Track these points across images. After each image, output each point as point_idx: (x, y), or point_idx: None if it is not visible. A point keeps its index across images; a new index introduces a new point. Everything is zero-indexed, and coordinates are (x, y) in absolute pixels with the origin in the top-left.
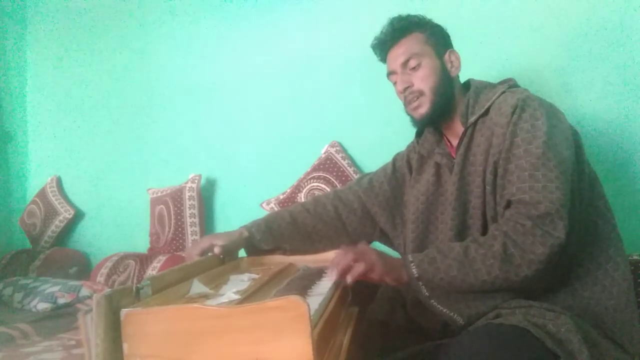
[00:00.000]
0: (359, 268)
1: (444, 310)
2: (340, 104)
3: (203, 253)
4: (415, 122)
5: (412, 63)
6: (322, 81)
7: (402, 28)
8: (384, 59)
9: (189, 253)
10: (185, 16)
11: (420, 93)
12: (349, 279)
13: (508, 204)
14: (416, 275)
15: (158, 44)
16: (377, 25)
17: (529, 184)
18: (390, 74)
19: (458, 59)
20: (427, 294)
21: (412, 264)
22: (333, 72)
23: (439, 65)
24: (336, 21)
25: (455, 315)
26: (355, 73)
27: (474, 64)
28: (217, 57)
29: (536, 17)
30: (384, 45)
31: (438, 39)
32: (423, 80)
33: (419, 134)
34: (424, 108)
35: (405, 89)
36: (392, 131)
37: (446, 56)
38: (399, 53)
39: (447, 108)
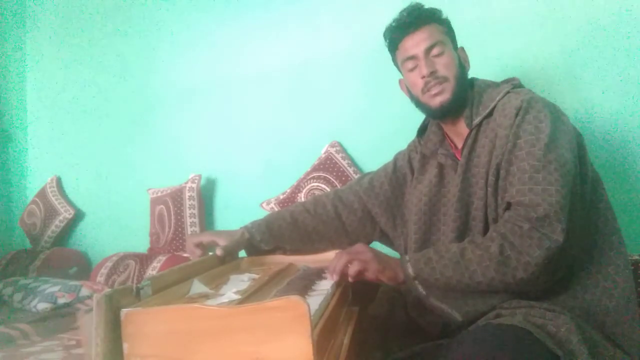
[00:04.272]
0: (355, 267)
1: (442, 307)
2: (340, 104)
3: (203, 248)
4: (430, 111)
5: (437, 50)
6: (322, 81)
7: (424, 15)
8: (396, 46)
9: (189, 244)
10: (186, 16)
11: (445, 79)
12: (349, 278)
13: (508, 206)
14: (412, 274)
15: (158, 44)
16: (377, 25)
17: (528, 186)
18: (409, 58)
19: (467, 57)
20: (424, 292)
21: (408, 263)
22: (333, 72)
23: (458, 58)
24: (336, 21)
25: (453, 312)
26: (356, 73)
27: (479, 61)
28: (217, 57)
29: (542, 13)
30: (404, 30)
31: (452, 34)
32: (447, 67)
33: (420, 133)
34: (446, 95)
35: (431, 73)
36: (392, 131)
37: (459, 52)
38: (422, 38)
39: (461, 102)
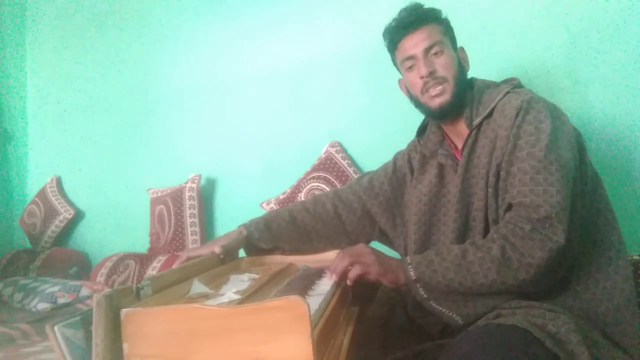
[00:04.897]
0: (356, 271)
1: (443, 311)
2: (340, 104)
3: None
4: (430, 112)
5: (436, 50)
6: (322, 81)
7: (423, 15)
8: (395, 45)
9: (183, 254)
10: (186, 16)
11: (444, 79)
12: (348, 282)
13: (509, 207)
14: (414, 277)
15: (158, 44)
16: (377, 25)
17: (530, 187)
18: (408, 58)
19: (467, 57)
20: (425, 295)
21: (410, 266)
22: (333, 72)
23: (457, 58)
24: (336, 21)
25: (454, 315)
26: (356, 73)
27: (479, 61)
28: (217, 57)
29: (542, 13)
30: (403, 29)
31: (452, 34)
32: (446, 67)
33: (420, 133)
34: (445, 96)
35: (430, 74)
36: (392, 131)
37: (458, 51)
38: (422, 38)
39: (461, 103)
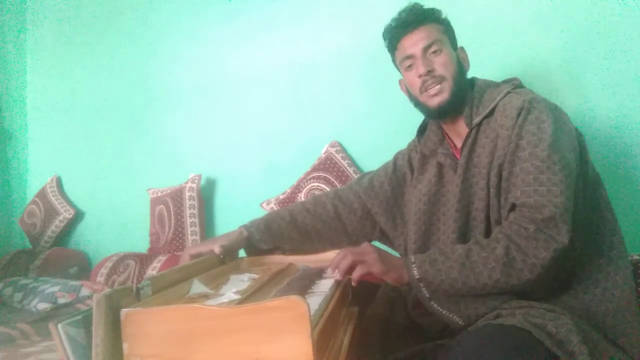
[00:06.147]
0: (359, 271)
1: (443, 312)
2: (340, 104)
3: (200, 256)
4: (429, 111)
5: (434, 49)
6: (322, 81)
7: (422, 15)
8: (394, 45)
9: (186, 256)
10: (186, 16)
11: (442, 78)
12: (352, 282)
13: (512, 207)
14: (417, 276)
15: (158, 44)
16: (377, 25)
17: (533, 187)
18: (407, 58)
19: (467, 57)
20: (427, 295)
21: (414, 265)
22: (333, 72)
23: (456, 57)
24: (337, 21)
25: (455, 317)
26: (356, 73)
27: (479, 61)
28: (217, 57)
29: (542, 13)
30: (402, 29)
31: (452, 34)
32: (444, 66)
33: (420, 133)
34: (444, 95)
35: (428, 72)
36: (392, 131)
37: (458, 51)
38: (420, 37)
39: (460, 102)
